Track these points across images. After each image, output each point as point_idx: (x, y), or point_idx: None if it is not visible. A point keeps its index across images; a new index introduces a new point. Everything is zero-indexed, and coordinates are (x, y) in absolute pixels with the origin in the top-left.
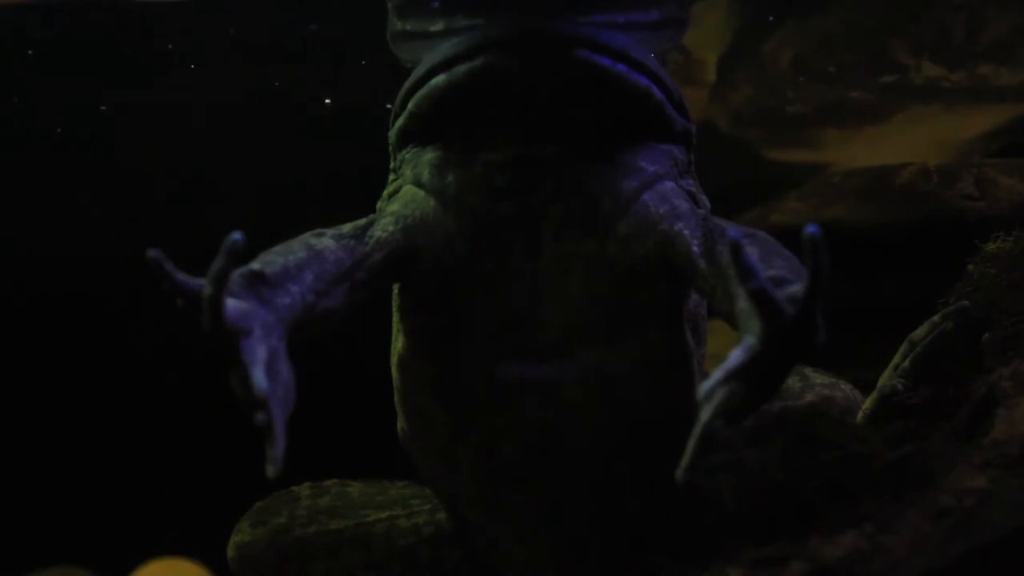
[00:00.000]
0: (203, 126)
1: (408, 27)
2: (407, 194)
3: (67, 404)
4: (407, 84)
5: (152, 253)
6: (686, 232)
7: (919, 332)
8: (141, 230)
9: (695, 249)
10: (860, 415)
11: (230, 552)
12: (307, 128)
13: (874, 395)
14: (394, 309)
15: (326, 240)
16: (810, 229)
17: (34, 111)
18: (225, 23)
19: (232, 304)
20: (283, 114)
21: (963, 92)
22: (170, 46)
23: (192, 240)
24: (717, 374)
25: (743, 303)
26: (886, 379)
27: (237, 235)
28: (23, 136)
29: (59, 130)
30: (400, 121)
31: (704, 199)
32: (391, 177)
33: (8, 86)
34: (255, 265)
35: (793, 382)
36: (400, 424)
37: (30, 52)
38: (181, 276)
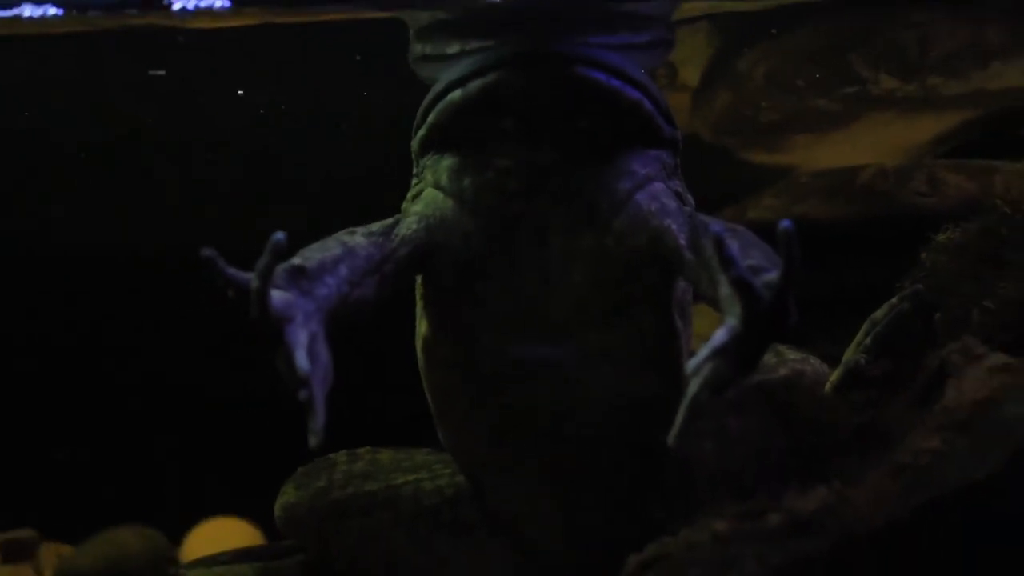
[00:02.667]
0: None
1: (427, 50)
2: (428, 196)
3: (140, 384)
4: (427, 99)
5: (206, 251)
6: (674, 227)
7: (879, 313)
8: (208, 230)
9: (682, 242)
10: (828, 386)
11: (277, 512)
12: (344, 141)
13: (840, 368)
14: (418, 298)
15: (358, 238)
16: (784, 224)
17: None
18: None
19: (277, 295)
20: (325, 130)
21: (915, 101)
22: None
23: (243, 240)
24: (704, 351)
25: (725, 289)
26: (850, 354)
27: (280, 235)
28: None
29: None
30: (422, 132)
31: (689, 198)
32: (414, 181)
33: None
34: (296, 260)
35: (769, 358)
36: None
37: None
38: (232, 271)
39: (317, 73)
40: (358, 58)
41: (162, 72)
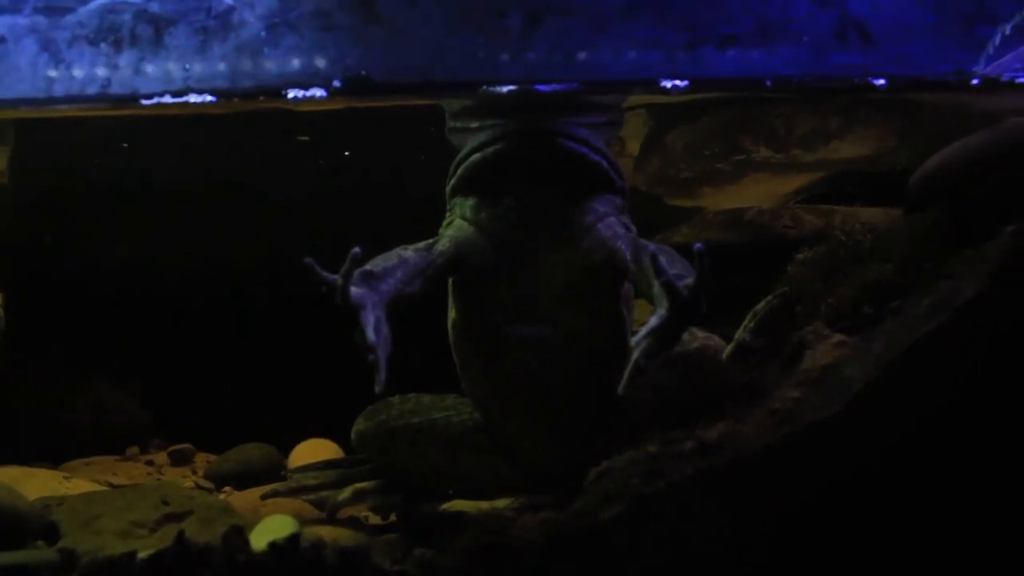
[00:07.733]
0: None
1: (457, 125)
2: (457, 224)
3: (265, 355)
4: (457, 159)
5: (307, 260)
6: (623, 247)
7: (759, 306)
8: (317, 234)
9: (628, 257)
10: (724, 355)
11: (352, 435)
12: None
13: (732, 343)
14: (449, 293)
15: (409, 251)
16: (698, 246)
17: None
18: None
19: (354, 290)
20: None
21: (783, 165)
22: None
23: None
24: (642, 331)
25: (657, 289)
26: (740, 334)
27: (357, 249)
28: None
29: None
30: (452, 181)
31: (632, 227)
32: (447, 215)
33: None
34: (367, 267)
35: (686, 336)
36: None
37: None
38: (324, 273)
39: (385, 137)
40: (431, 129)
41: (306, 138)
